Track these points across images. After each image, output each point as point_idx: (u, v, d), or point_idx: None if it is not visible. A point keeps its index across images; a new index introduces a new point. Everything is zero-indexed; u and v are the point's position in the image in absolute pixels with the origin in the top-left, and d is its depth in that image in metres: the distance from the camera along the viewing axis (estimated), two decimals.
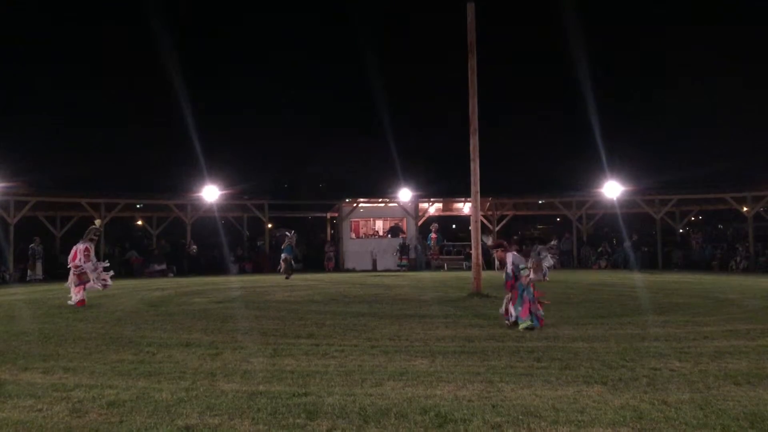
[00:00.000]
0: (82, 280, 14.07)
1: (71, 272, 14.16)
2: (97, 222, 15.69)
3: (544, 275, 20.65)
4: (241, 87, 65.22)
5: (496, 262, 10.86)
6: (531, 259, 21.05)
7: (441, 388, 5.93)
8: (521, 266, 9.98)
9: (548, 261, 21.25)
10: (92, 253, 14.44)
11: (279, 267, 23.35)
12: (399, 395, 5.66)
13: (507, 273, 10.17)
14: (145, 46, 63.61)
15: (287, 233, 24.30)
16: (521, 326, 9.56)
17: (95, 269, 14.30)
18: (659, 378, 6.24)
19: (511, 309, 9.85)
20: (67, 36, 59.09)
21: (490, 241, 11.97)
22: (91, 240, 14.50)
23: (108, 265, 15.04)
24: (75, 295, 13.92)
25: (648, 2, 59.09)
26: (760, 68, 50.49)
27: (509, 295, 10.02)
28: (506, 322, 9.95)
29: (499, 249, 10.69)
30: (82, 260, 14.11)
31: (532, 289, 9.88)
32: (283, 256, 23.25)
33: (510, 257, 10.19)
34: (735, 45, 54.42)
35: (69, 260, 14.36)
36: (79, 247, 14.32)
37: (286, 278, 22.33)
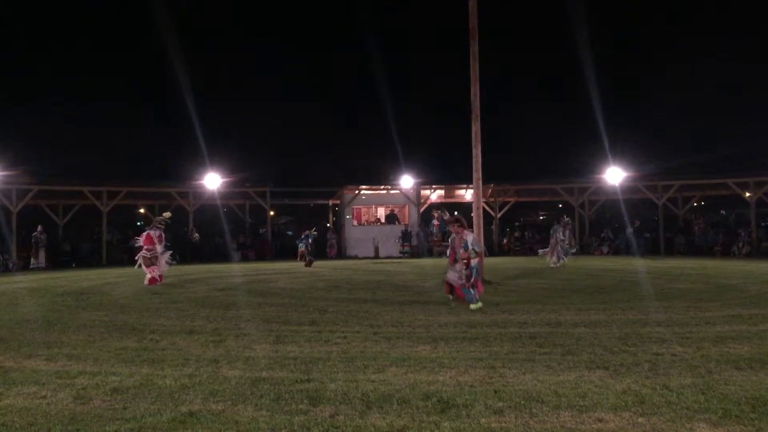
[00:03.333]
0: (153, 263, 15.73)
1: (141, 254, 15.83)
2: (166, 214, 17.25)
3: (560, 260, 20.42)
4: (243, 74, 65.03)
5: (452, 237, 11.34)
6: (551, 238, 21.02)
7: (443, 373, 5.95)
8: (476, 248, 10.64)
9: (561, 235, 20.98)
10: (163, 240, 16.30)
11: (306, 260, 23.30)
12: (401, 381, 5.68)
13: (460, 248, 10.80)
14: (147, 32, 63.37)
15: (307, 231, 24.78)
16: (473, 307, 10.10)
17: (162, 254, 16.12)
18: (661, 363, 6.25)
19: (467, 292, 10.46)
20: (69, 23, 58.88)
21: (446, 216, 12.77)
22: (157, 227, 16.21)
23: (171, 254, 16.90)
24: (149, 273, 15.58)
25: None
26: (762, 52, 50.26)
27: (456, 273, 10.65)
28: (450, 297, 10.73)
29: (456, 224, 11.15)
30: (159, 245, 15.90)
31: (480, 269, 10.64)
32: (301, 246, 23.56)
33: (469, 237, 10.81)
34: (737, 28, 54.09)
35: (141, 243, 16.00)
36: (154, 233, 15.98)
37: (308, 266, 22.47)
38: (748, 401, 4.95)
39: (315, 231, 25.60)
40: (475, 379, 5.74)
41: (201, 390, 5.46)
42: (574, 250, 21.63)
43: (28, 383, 5.78)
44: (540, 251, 21.43)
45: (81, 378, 5.94)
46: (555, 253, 20.55)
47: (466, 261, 10.63)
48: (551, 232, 21.38)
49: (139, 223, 34.63)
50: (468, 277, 10.54)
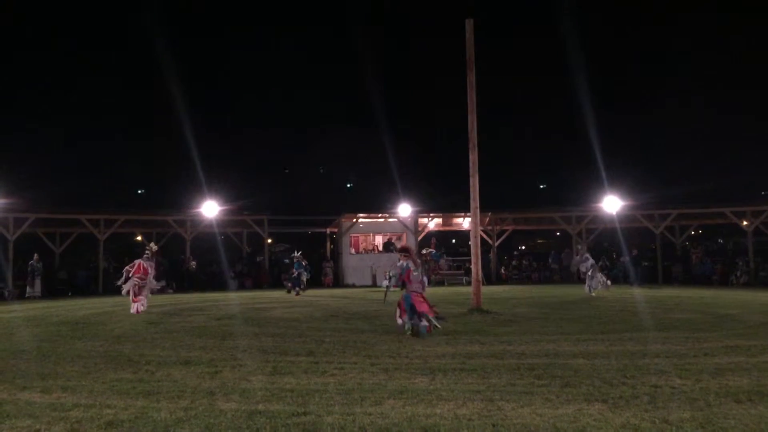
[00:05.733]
0: (141, 292, 16.26)
1: (132, 283, 16.21)
2: (153, 246, 17.73)
3: (592, 287, 20.22)
4: (241, 103, 65.44)
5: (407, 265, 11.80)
6: (581, 263, 20.83)
7: (441, 406, 5.90)
8: (390, 273, 11.05)
9: (586, 266, 20.76)
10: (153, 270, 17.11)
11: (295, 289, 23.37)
12: (399, 414, 5.63)
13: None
14: (145, 61, 63.88)
15: (296, 252, 24.90)
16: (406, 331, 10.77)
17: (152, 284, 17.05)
18: (660, 396, 6.21)
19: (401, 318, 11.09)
20: (66, 52, 59.35)
21: (398, 245, 13.81)
22: (148, 259, 16.78)
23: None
24: (135, 304, 16.00)
25: (649, 16, 59.46)
26: (760, 82, 50.73)
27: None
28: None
29: (402, 254, 11.81)
30: (151, 274, 16.65)
31: (410, 298, 11.03)
32: (306, 275, 23.73)
33: (398, 264, 11.56)
34: (735, 59, 54.67)
35: (132, 272, 16.37)
36: (149, 264, 16.59)
37: (296, 294, 22.50)
38: None
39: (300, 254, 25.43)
40: (473, 412, 5.69)
41: (197, 423, 5.41)
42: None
43: (22, 416, 5.72)
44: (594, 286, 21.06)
45: (75, 411, 5.88)
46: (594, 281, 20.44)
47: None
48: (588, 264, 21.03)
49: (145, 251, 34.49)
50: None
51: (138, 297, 16.13)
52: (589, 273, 20.61)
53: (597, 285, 20.43)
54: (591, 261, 20.95)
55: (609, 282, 20.38)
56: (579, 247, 21.92)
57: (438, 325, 10.90)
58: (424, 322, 10.73)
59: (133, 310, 15.79)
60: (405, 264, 11.37)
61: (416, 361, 8.27)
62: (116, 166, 51.52)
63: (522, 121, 59.69)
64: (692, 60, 55.25)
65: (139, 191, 30.32)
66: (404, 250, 11.96)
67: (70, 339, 10.98)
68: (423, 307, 10.92)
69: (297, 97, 65.13)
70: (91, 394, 6.57)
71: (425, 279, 11.77)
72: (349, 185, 55.52)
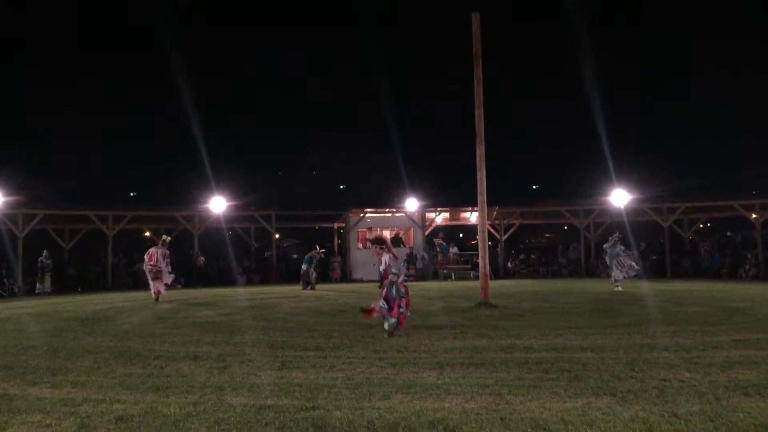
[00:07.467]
0: (157, 277, 17.78)
1: (148, 271, 17.89)
2: (165, 237, 19.21)
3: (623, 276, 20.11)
4: (247, 98, 65.48)
5: (374, 257, 11.41)
6: (606, 257, 20.66)
7: (449, 400, 5.91)
8: (393, 270, 10.63)
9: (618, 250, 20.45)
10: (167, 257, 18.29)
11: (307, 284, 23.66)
12: (407, 408, 5.65)
13: (379, 270, 11.04)
14: (151, 57, 63.95)
15: (317, 247, 25.45)
16: (386, 325, 10.19)
17: (168, 271, 18.35)
18: (669, 389, 6.20)
19: (380, 303, 10.39)
20: (73, 48, 59.47)
21: (372, 236, 13.00)
22: (160, 246, 18.18)
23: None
24: (156, 287, 17.77)
25: (655, 10, 59.15)
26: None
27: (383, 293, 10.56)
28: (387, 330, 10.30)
29: (377, 246, 11.05)
30: (162, 262, 17.85)
31: (402, 289, 10.61)
32: (304, 267, 24.04)
33: (386, 257, 10.77)
34: (743, 52, 54.30)
35: (146, 261, 17.97)
36: (160, 251, 17.94)
37: (311, 289, 22.82)
38: (757, 429, 4.91)
39: (322, 251, 25.89)
40: (481, 406, 5.69)
41: (206, 418, 5.43)
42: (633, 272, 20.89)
43: (32, 411, 5.76)
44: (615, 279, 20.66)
45: (85, 406, 5.92)
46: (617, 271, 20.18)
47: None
48: (605, 250, 20.93)
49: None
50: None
51: (155, 281, 17.78)
52: (614, 262, 20.35)
53: (620, 277, 20.28)
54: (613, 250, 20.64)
55: (622, 278, 20.13)
56: (616, 235, 21.49)
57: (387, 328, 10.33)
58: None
59: (153, 295, 17.69)
60: (391, 256, 10.84)
61: (424, 356, 8.28)
62: (124, 162, 51.77)
63: (529, 114, 59.52)
64: (699, 50, 54.90)
65: (130, 188, 30.53)
66: (379, 242, 11.10)
67: (79, 334, 11.03)
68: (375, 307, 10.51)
69: (302, 95, 65.14)
70: (101, 389, 6.61)
71: (403, 268, 11.46)
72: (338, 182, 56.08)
